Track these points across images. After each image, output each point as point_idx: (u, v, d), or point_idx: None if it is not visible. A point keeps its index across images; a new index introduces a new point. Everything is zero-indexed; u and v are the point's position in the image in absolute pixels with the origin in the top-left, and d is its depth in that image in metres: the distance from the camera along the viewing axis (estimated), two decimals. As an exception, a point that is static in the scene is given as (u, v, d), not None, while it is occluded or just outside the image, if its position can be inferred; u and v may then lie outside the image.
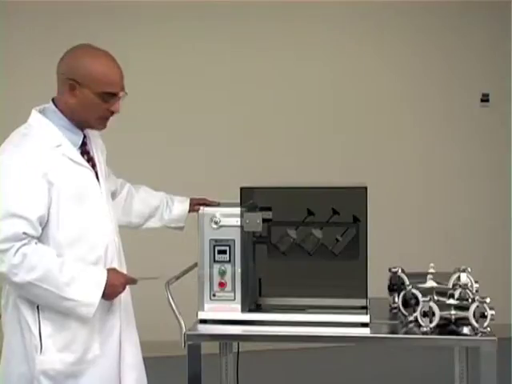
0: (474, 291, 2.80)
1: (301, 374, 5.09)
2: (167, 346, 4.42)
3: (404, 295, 2.81)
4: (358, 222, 2.83)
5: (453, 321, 2.66)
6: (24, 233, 2.31)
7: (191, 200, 2.97)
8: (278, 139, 5.63)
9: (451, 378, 3.20)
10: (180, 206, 2.96)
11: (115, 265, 2.54)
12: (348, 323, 2.72)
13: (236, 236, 2.77)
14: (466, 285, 2.76)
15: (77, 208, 2.43)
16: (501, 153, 5.82)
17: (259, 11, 5.58)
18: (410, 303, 2.78)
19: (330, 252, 2.86)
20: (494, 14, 5.76)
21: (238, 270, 2.77)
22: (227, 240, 2.77)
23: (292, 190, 3.02)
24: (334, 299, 2.83)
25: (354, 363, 5.14)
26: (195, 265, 2.86)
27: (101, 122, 2.52)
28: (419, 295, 2.70)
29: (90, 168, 2.52)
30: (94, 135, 2.63)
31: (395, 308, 2.91)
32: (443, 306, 2.65)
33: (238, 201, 2.80)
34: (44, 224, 2.38)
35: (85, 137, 2.55)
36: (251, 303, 2.87)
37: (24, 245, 2.31)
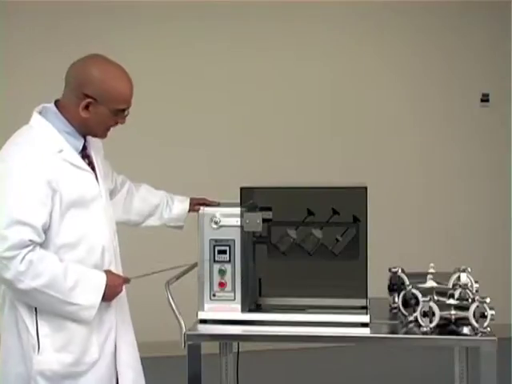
0: (474, 291, 2.80)
1: (301, 374, 5.08)
2: (167, 346, 4.42)
3: (404, 295, 2.81)
4: (358, 221, 2.83)
5: (453, 321, 2.66)
6: (30, 240, 2.31)
7: (191, 200, 2.97)
8: (277, 139, 5.63)
9: (451, 378, 3.20)
10: (180, 205, 2.96)
11: (112, 267, 2.55)
12: (348, 323, 2.72)
13: (236, 236, 2.77)
14: (465, 285, 2.76)
15: (77, 213, 2.43)
16: (501, 153, 5.82)
17: (259, 11, 5.58)
18: (410, 303, 2.78)
19: (329, 252, 2.86)
20: (494, 14, 5.76)
21: (238, 270, 2.77)
22: (227, 240, 2.77)
23: (292, 189, 3.02)
24: (334, 299, 2.83)
25: (354, 363, 5.14)
26: (195, 265, 2.86)
27: (105, 133, 2.55)
28: (419, 295, 2.70)
29: (91, 171, 2.53)
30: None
31: (395, 308, 2.91)
32: (443, 306, 2.65)
33: (238, 201, 2.80)
34: (46, 230, 2.38)
35: (85, 140, 2.55)
36: (251, 303, 2.87)
37: (30, 251, 2.31)
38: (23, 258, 2.30)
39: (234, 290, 2.77)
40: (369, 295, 2.79)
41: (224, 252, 2.77)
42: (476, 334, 2.60)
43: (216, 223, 2.77)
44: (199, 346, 2.69)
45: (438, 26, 5.82)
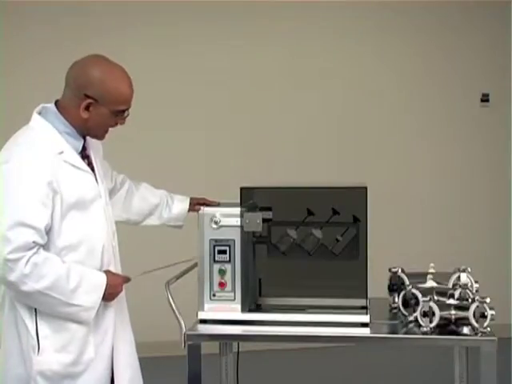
0: (474, 291, 2.79)
1: (301, 373, 5.08)
2: (167, 346, 4.42)
3: (404, 295, 2.81)
4: (358, 221, 2.83)
5: (453, 321, 2.66)
6: (33, 242, 2.31)
7: (191, 199, 2.97)
8: (278, 139, 5.63)
9: (451, 378, 3.20)
10: (180, 205, 2.96)
11: (111, 267, 2.55)
12: (348, 323, 2.72)
13: (236, 236, 2.77)
14: (465, 285, 2.76)
15: (78, 214, 2.44)
16: (501, 153, 5.82)
17: (259, 11, 5.58)
18: (410, 303, 2.78)
19: (329, 252, 2.86)
20: (494, 14, 5.76)
21: (238, 270, 2.77)
22: (227, 240, 2.77)
23: (292, 189, 3.02)
24: (334, 299, 2.83)
25: (354, 363, 5.14)
26: (195, 265, 2.86)
27: (105, 134, 2.55)
28: (419, 295, 2.70)
29: (91, 172, 2.53)
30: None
31: (395, 308, 2.91)
32: (443, 306, 2.65)
33: (238, 201, 2.80)
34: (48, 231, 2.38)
35: (84, 141, 2.55)
36: (251, 303, 2.88)
37: (34, 254, 2.31)
38: (28, 260, 2.30)
39: (233, 290, 2.77)
40: (369, 295, 2.79)
41: (224, 252, 2.77)
42: (476, 334, 2.60)
43: (216, 223, 2.77)
44: (199, 346, 2.69)
45: (437, 26, 5.82)
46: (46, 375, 2.39)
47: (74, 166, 2.45)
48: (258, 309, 2.89)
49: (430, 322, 2.62)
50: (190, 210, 2.95)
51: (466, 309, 2.61)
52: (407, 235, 5.70)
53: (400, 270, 2.93)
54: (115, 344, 2.54)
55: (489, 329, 2.59)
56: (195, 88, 5.51)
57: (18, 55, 5.27)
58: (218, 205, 2.89)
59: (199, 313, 2.79)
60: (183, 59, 5.53)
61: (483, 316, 2.57)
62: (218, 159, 5.55)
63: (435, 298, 2.67)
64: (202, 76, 5.52)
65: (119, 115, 2.50)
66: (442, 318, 2.63)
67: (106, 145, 2.73)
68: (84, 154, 2.54)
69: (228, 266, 2.77)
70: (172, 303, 2.70)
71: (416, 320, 2.68)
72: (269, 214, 2.81)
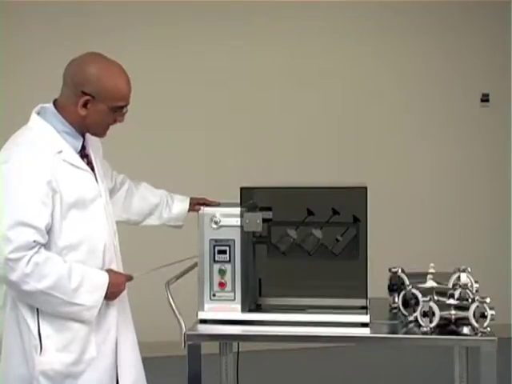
0: (474, 291, 2.79)
1: (301, 373, 5.08)
2: (167, 346, 4.42)
3: (404, 295, 2.81)
4: (358, 221, 2.83)
5: (453, 321, 2.66)
6: (34, 241, 2.31)
7: (191, 199, 2.97)
8: (278, 139, 5.63)
9: (451, 378, 3.20)
10: (180, 205, 2.96)
11: (113, 266, 2.55)
12: (348, 323, 2.72)
13: (236, 236, 2.77)
14: (465, 285, 2.76)
15: (78, 214, 2.44)
16: (501, 153, 5.82)
17: (259, 11, 5.58)
18: (410, 303, 2.78)
19: (329, 252, 2.86)
20: (494, 14, 5.76)
21: (238, 270, 2.76)
22: (227, 240, 2.77)
23: (292, 189, 3.02)
24: (334, 299, 2.83)
25: (354, 363, 5.14)
26: (195, 264, 2.86)
27: (105, 131, 2.55)
28: (419, 295, 2.70)
29: (90, 171, 2.53)
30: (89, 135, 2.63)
31: (395, 308, 2.90)
32: (443, 306, 2.65)
33: (238, 201, 2.80)
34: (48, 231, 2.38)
35: (84, 140, 2.55)
36: (251, 303, 2.87)
37: (35, 253, 2.31)
38: (29, 260, 2.30)
39: (233, 290, 2.77)
40: (369, 295, 2.79)
41: (224, 252, 2.77)
42: (476, 334, 2.60)
43: (216, 223, 2.77)
44: (199, 346, 2.69)
45: (437, 26, 5.82)
46: (48, 375, 2.39)
47: (72, 165, 2.45)
48: (257, 309, 2.89)
49: (430, 322, 2.62)
50: (190, 209, 2.95)
51: (466, 309, 2.61)
52: (407, 235, 5.70)
53: (400, 270, 2.93)
54: (118, 343, 2.54)
55: (489, 329, 2.58)
56: (195, 88, 5.51)
57: (17, 55, 5.27)
58: (218, 205, 2.89)
59: (199, 313, 2.79)
60: (183, 59, 5.54)
61: (483, 316, 2.57)
62: (217, 159, 5.55)
63: (435, 297, 2.67)
64: (202, 76, 5.52)
65: (117, 112, 2.49)
66: (441, 317, 2.63)
67: (106, 144, 2.73)
68: (83, 153, 2.54)
69: (228, 266, 2.77)
70: (172, 303, 2.70)
71: (416, 320, 2.68)
72: (269, 214, 2.81)
